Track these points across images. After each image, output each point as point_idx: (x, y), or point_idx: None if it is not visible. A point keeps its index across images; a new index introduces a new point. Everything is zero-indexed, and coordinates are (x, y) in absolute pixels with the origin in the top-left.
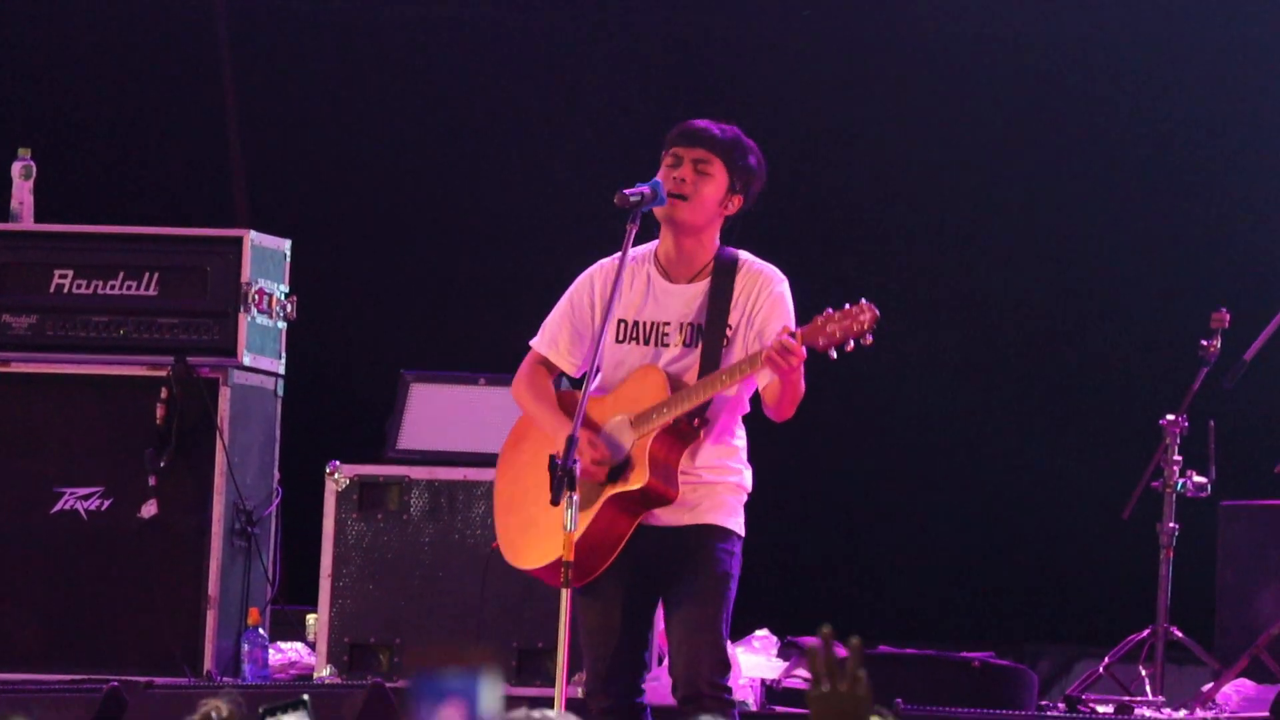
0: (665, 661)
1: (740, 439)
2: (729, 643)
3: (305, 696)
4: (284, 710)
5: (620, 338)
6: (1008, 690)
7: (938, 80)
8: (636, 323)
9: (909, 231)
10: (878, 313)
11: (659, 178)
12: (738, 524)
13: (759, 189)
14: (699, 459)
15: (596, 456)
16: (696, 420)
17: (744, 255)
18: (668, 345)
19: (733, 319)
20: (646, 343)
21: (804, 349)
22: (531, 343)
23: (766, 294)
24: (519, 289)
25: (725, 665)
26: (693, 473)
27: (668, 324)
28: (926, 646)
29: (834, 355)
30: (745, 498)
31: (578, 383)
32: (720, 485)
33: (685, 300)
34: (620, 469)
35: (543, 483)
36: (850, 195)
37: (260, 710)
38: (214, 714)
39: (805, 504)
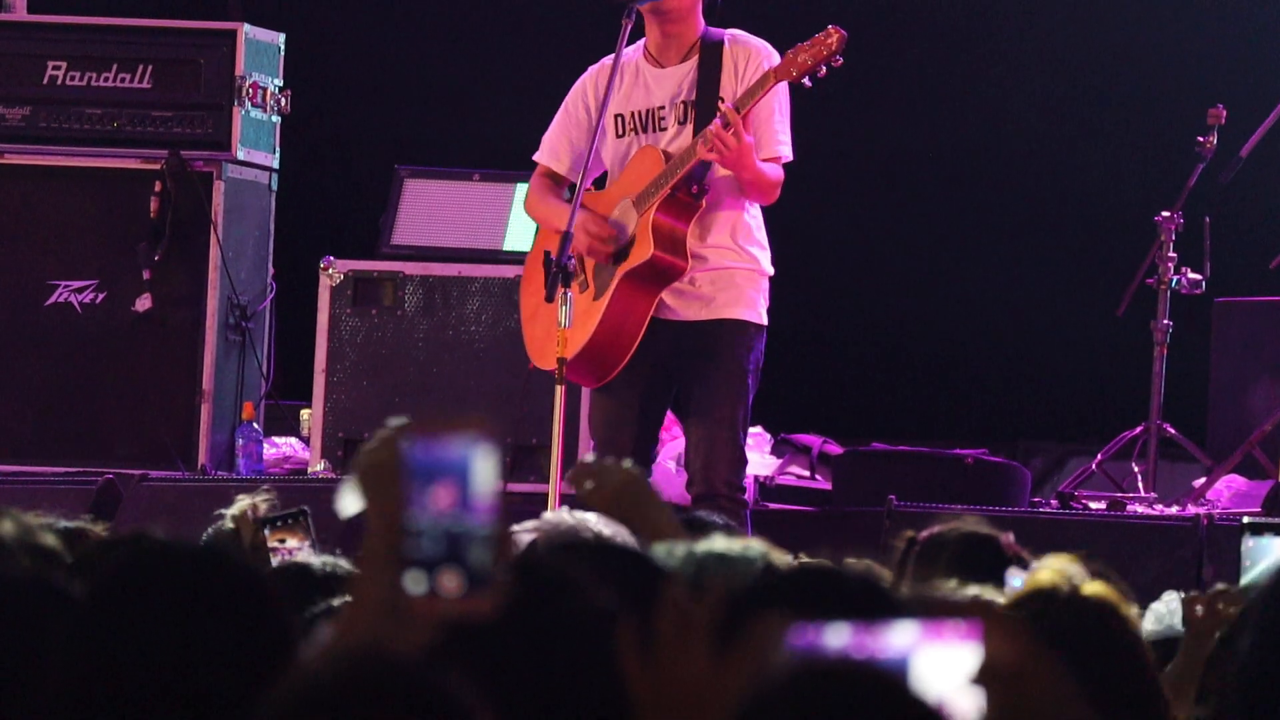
0: (659, 457)
1: (755, 215)
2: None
3: (305, 508)
4: (283, 522)
5: (620, 132)
6: (1000, 487)
7: None
8: (632, 113)
9: (902, 28)
10: (845, 34)
11: None
12: (757, 314)
13: None
14: (711, 236)
15: (596, 231)
16: (695, 188)
17: (731, 31)
18: (665, 129)
19: (725, 91)
20: (644, 130)
21: (741, 137)
22: (534, 157)
23: (755, 67)
24: (514, 85)
25: (742, 463)
26: (705, 254)
27: (661, 108)
28: (919, 444)
29: (808, 83)
30: (766, 283)
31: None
32: (738, 272)
33: (675, 81)
34: (627, 249)
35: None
36: None
37: (258, 521)
38: (249, 511)
39: (800, 301)
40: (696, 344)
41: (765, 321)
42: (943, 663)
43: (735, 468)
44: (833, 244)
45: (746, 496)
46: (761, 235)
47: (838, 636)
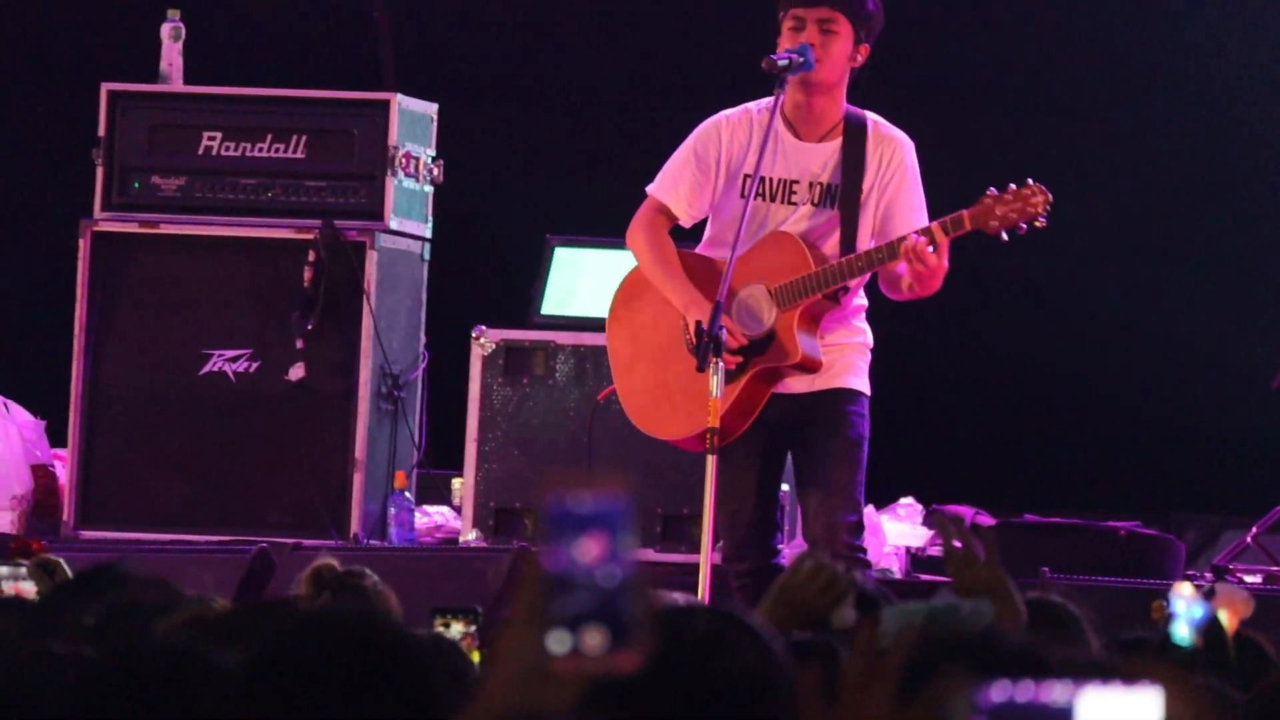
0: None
1: (862, 298)
2: (864, 505)
3: (479, 608)
4: (455, 615)
5: (744, 192)
6: (1154, 559)
7: None
8: (764, 178)
9: (1053, 80)
10: (1050, 195)
11: (781, 41)
12: (865, 384)
13: (879, 31)
14: (826, 323)
15: (736, 345)
16: (840, 293)
17: (872, 117)
18: (795, 204)
19: (866, 184)
20: (773, 199)
21: (944, 262)
22: (649, 189)
23: (898, 163)
24: (664, 154)
25: (860, 527)
26: (819, 336)
27: (796, 182)
28: (1072, 515)
29: (1005, 237)
30: (870, 356)
31: (679, 232)
32: (848, 346)
33: (817, 159)
34: (765, 343)
35: (671, 346)
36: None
37: (431, 611)
38: (324, 571)
39: (952, 371)
40: (811, 414)
41: (870, 391)
42: None
43: (854, 530)
44: (986, 315)
45: (867, 556)
46: (865, 314)
47: (1023, 693)
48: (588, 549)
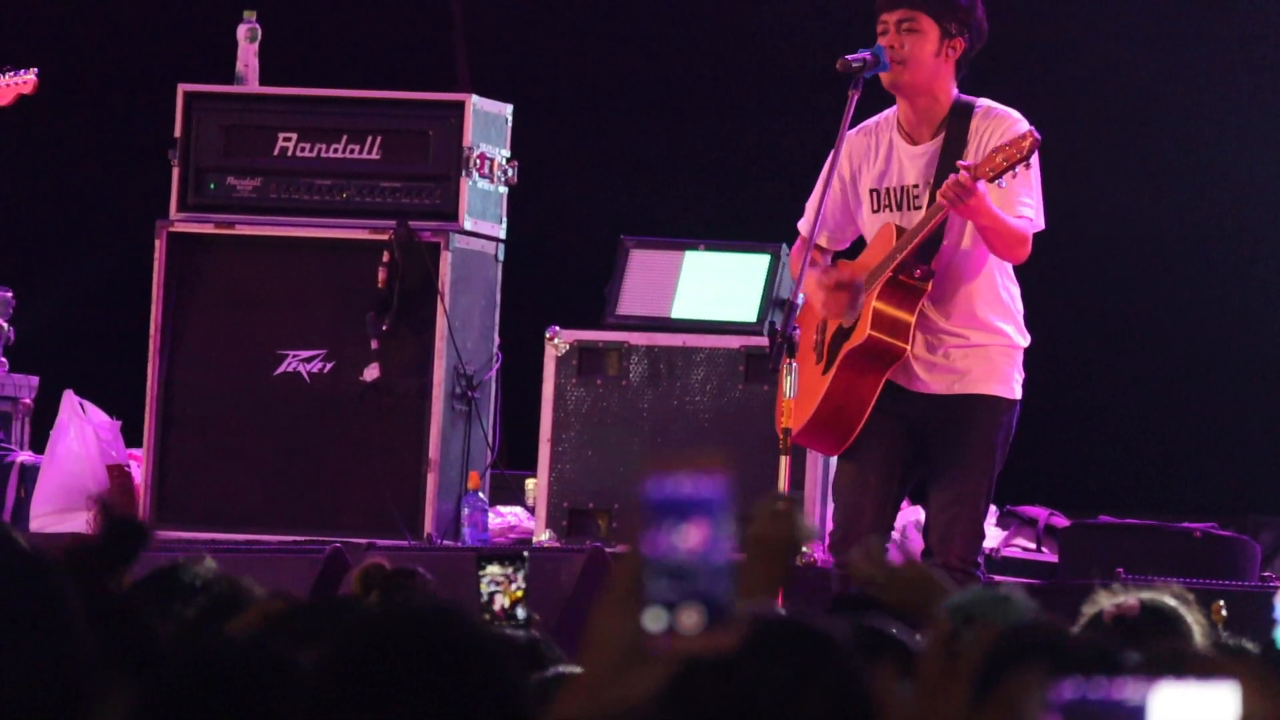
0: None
1: (1006, 290)
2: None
3: (525, 553)
4: (494, 560)
5: (875, 208)
6: (1230, 561)
7: None
8: (887, 189)
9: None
10: (1039, 136)
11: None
12: (1010, 389)
13: (982, 16)
14: (958, 318)
15: (829, 284)
16: (919, 272)
17: (983, 102)
18: (919, 208)
19: (965, 161)
20: (899, 208)
21: (974, 183)
22: (799, 225)
23: (999, 134)
24: (738, 155)
25: (979, 539)
26: (956, 333)
27: (915, 186)
28: (1147, 517)
29: (1001, 185)
30: (1020, 355)
31: (847, 254)
32: (991, 347)
33: (928, 158)
34: (854, 327)
35: (805, 349)
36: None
37: (476, 557)
38: (373, 571)
39: (1028, 372)
40: (947, 418)
41: (1018, 395)
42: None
43: (973, 544)
44: (1059, 315)
45: (980, 571)
46: (1015, 307)
47: (1097, 690)
48: (687, 536)
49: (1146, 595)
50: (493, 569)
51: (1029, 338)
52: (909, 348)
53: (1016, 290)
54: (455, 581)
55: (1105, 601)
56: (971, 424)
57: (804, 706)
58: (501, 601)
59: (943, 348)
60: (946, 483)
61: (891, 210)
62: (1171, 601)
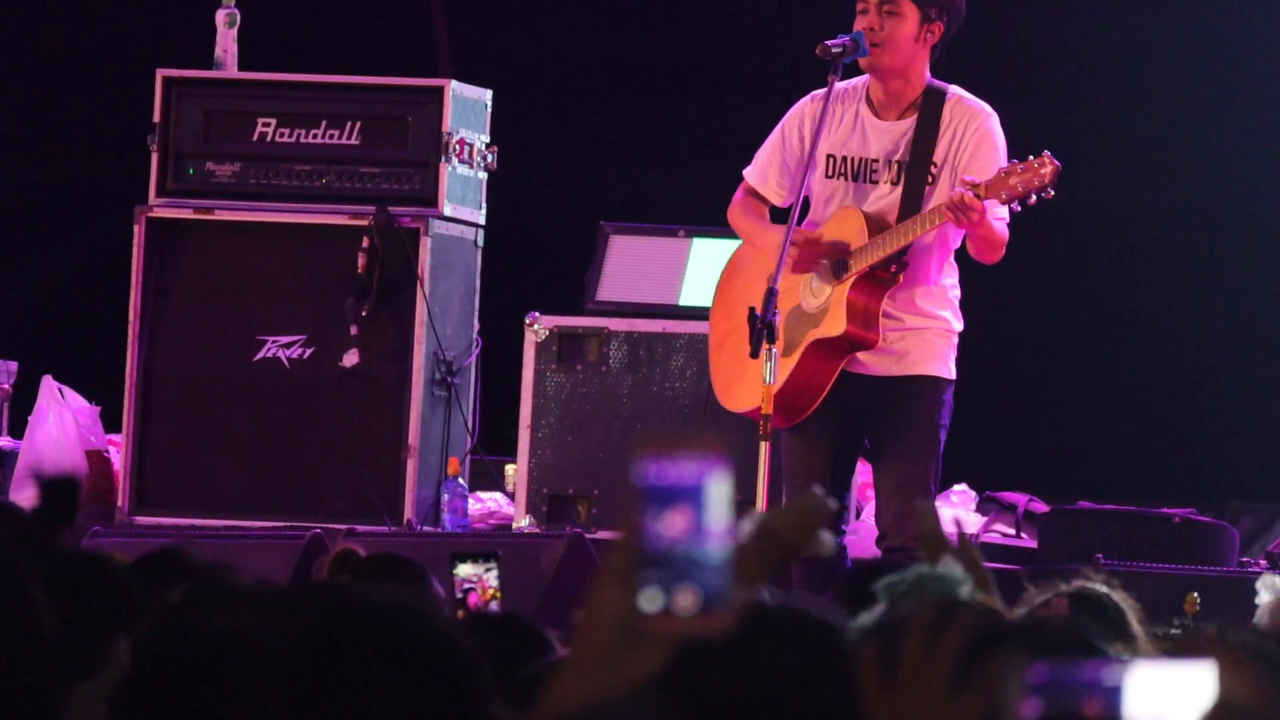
0: (862, 514)
1: (948, 279)
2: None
3: (498, 550)
4: (468, 558)
5: (829, 173)
6: (1209, 546)
7: None
8: (845, 158)
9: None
10: (1059, 165)
11: (855, 26)
12: (947, 370)
13: (960, 3)
14: (900, 303)
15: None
16: (894, 266)
17: (953, 90)
18: (876, 183)
19: (937, 156)
20: (855, 179)
21: (982, 203)
22: (744, 172)
23: (973, 131)
24: (720, 141)
25: None
26: (899, 317)
27: (875, 161)
28: (1126, 502)
29: (1017, 208)
30: (955, 340)
31: (782, 213)
32: (929, 331)
33: (893, 137)
34: (820, 315)
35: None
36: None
37: (450, 554)
38: (347, 557)
39: (1005, 357)
40: (890, 399)
41: (954, 376)
42: (1179, 699)
43: None
44: (1039, 301)
45: None
46: (954, 295)
47: (1073, 670)
48: (677, 522)
49: (1070, 587)
50: (465, 568)
51: (964, 323)
52: (881, 339)
53: (955, 278)
54: (432, 569)
55: (1035, 599)
56: (916, 404)
57: (812, 693)
58: (477, 601)
59: (884, 330)
60: (895, 466)
61: (847, 180)
62: (1100, 588)
